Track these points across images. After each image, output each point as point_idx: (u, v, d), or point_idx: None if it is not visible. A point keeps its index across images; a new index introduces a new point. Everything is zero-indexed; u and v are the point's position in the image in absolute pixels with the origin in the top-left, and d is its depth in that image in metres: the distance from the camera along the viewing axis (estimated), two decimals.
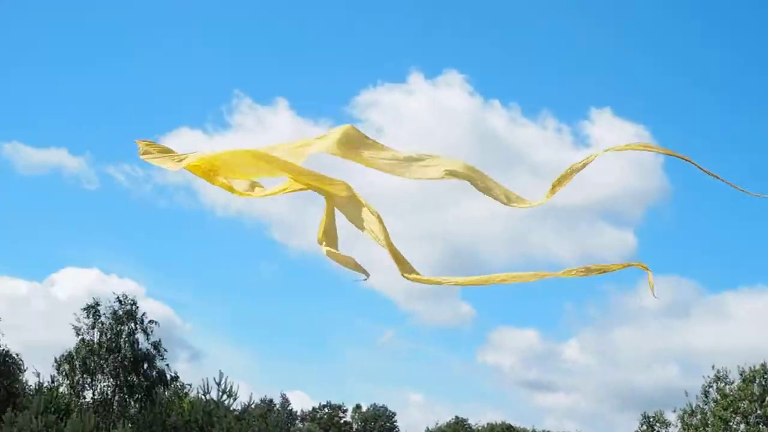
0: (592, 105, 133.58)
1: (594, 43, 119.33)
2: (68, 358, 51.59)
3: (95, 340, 52.64)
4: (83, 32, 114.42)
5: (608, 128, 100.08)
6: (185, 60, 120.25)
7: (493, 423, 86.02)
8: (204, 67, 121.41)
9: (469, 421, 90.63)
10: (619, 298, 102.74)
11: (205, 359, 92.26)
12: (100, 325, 52.72)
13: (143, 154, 6.69)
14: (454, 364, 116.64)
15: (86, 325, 52.88)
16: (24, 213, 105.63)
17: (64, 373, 51.44)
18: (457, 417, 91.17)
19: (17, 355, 52.69)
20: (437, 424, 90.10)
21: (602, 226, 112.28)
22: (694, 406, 53.39)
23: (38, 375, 51.05)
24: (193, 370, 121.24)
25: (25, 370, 52.31)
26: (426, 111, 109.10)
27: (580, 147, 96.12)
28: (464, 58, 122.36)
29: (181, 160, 6.58)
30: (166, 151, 6.74)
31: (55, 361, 51.85)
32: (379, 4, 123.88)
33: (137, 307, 54.21)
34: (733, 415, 51.33)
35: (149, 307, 57.42)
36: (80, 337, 52.59)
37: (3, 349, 51.71)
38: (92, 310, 53.00)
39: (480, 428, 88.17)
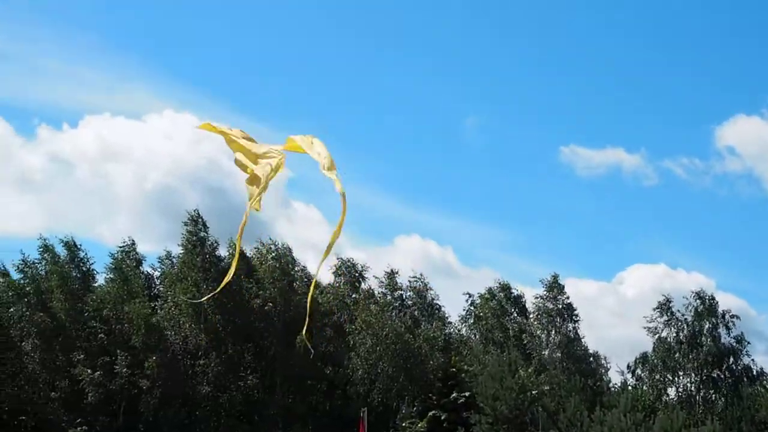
0: None
1: None
2: (642, 359, 51.92)
3: (671, 337, 52.38)
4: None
5: None
6: (728, 48, 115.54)
7: None
8: (752, 51, 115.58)
9: None
10: None
11: None
12: (675, 322, 52.39)
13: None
14: None
15: (660, 324, 52.86)
16: (587, 214, 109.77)
17: (645, 371, 51.90)
18: None
19: (600, 354, 54.52)
20: None
21: None
22: None
23: (622, 373, 52.28)
24: None
25: (608, 369, 53.94)
26: None
27: None
28: None
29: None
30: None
31: (634, 363, 52.48)
32: None
33: (716, 302, 53.05)
34: None
35: (721, 301, 55.52)
36: (656, 336, 52.73)
37: (587, 350, 53.85)
38: (664, 307, 52.88)
39: None
